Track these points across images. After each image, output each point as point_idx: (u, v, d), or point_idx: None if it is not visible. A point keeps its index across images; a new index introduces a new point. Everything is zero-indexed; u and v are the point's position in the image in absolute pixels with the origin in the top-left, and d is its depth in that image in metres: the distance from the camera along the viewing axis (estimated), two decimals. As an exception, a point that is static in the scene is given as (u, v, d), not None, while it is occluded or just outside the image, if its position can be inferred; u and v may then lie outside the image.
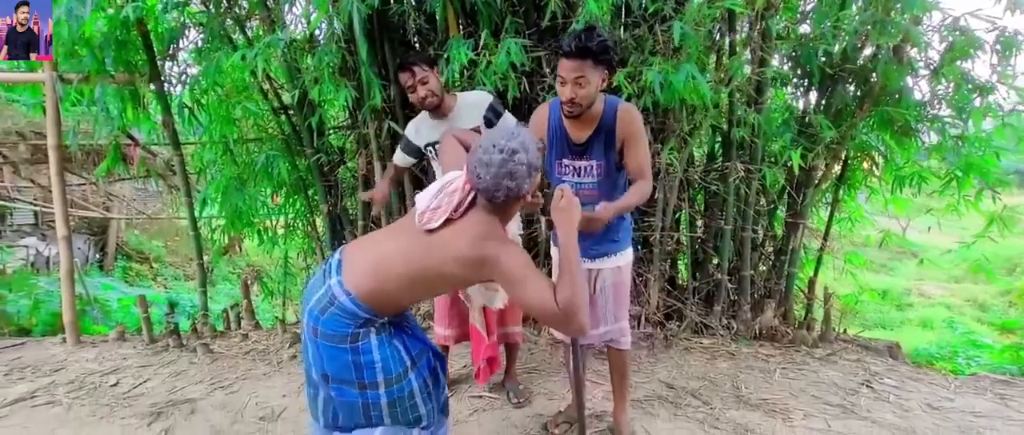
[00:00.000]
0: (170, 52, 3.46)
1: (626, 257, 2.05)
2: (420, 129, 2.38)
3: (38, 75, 3.32)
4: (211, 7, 3.35)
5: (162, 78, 3.47)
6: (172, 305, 3.72)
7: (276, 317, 3.81)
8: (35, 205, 7.87)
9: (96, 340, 3.52)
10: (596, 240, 1.98)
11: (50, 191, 7.32)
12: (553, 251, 2.20)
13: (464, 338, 2.44)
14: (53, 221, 9.28)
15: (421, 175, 3.31)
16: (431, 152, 2.36)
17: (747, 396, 2.57)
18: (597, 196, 1.93)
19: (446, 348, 2.52)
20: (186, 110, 3.61)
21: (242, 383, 2.74)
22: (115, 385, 2.71)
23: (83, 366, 2.97)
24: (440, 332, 2.47)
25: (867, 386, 2.74)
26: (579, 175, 1.97)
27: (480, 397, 2.55)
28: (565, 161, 1.98)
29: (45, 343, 3.45)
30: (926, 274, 14.52)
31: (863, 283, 4.76)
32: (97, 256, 9.32)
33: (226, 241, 5.93)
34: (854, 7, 3.36)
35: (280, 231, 4.41)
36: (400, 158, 2.46)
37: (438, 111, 2.29)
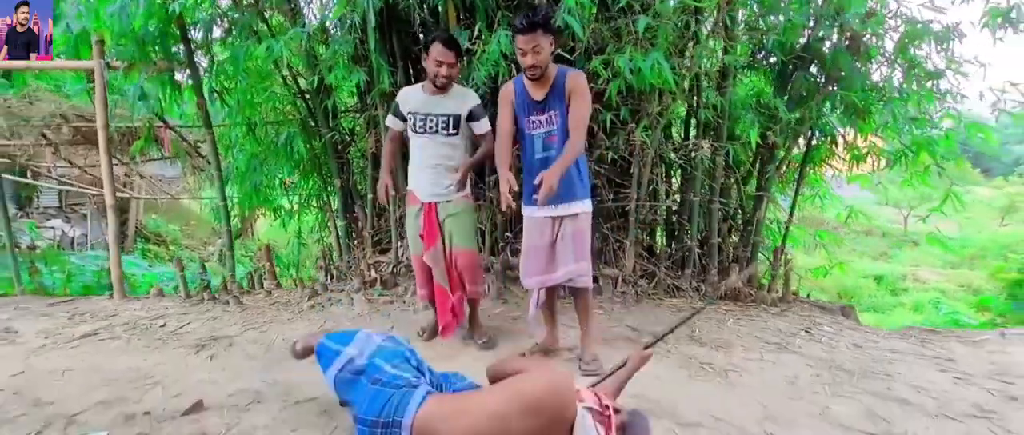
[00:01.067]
0: (203, 42, 3.90)
1: (583, 206, 2.50)
2: (409, 97, 2.72)
3: (88, 63, 3.77)
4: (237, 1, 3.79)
5: (196, 66, 3.92)
6: (204, 266, 4.18)
7: (293, 278, 4.27)
8: (64, 185, 8.39)
9: (139, 297, 4.01)
10: (557, 194, 2.42)
11: (84, 171, 7.87)
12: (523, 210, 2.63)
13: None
14: (76, 204, 9.85)
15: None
16: (411, 118, 2.69)
17: (699, 337, 3.01)
18: (559, 139, 2.46)
19: (430, 302, 2.90)
20: (216, 95, 4.08)
21: (270, 326, 3.21)
22: (164, 326, 3.19)
23: (132, 313, 3.45)
24: (420, 292, 2.91)
25: (806, 332, 3.17)
26: (543, 125, 2.50)
27: (450, 346, 2.86)
28: (531, 117, 2.51)
29: (93, 300, 3.94)
30: (922, 260, 14.86)
31: (833, 257, 5.14)
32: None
33: (240, 222, 6.39)
34: (812, 5, 3.71)
35: (295, 208, 4.89)
36: (391, 121, 2.82)
37: (439, 89, 2.65)
